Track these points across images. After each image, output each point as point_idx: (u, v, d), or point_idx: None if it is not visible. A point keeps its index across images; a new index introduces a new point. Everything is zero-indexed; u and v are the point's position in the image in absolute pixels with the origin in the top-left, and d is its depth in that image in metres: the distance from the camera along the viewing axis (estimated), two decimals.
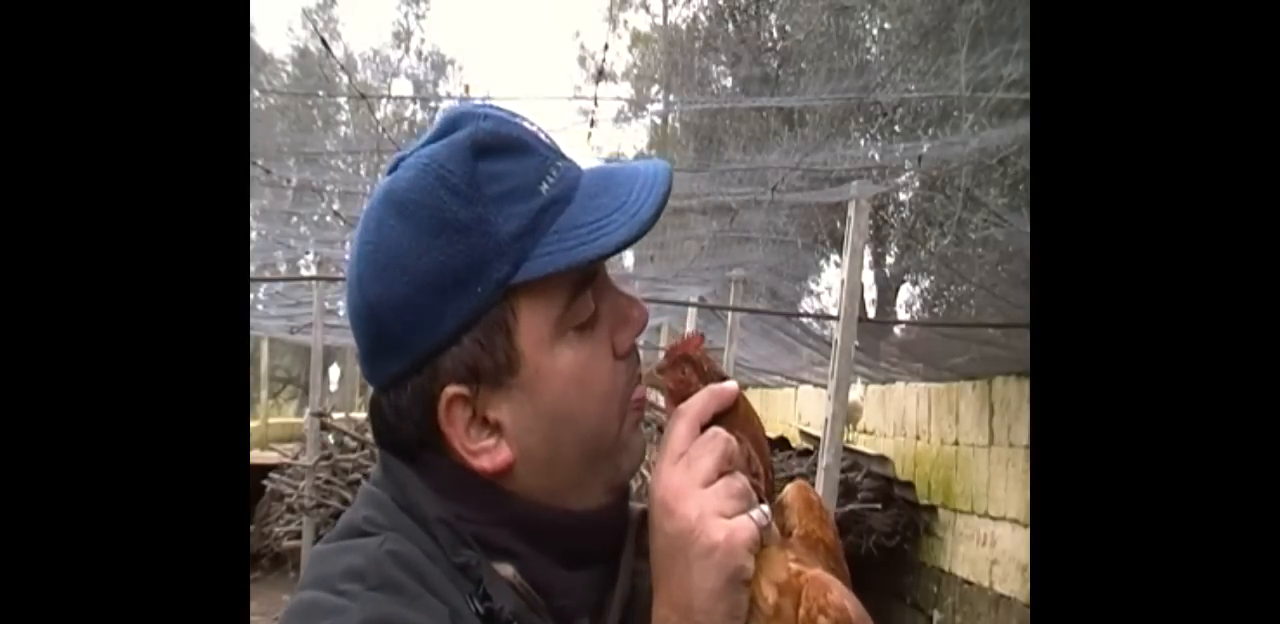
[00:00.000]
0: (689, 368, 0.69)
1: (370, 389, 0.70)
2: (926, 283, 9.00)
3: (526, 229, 0.62)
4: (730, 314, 6.34)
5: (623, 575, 0.69)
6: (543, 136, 0.66)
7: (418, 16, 23.09)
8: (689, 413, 0.65)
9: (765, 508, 0.64)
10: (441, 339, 0.63)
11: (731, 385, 0.67)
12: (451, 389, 0.64)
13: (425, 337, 0.63)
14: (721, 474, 0.63)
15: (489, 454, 0.65)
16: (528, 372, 0.64)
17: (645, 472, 0.68)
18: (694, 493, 0.62)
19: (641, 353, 0.72)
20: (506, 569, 0.64)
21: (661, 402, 0.72)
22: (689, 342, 0.70)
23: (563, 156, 0.66)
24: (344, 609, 0.58)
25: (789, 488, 0.71)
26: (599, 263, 0.64)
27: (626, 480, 0.70)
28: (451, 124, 0.65)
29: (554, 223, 0.63)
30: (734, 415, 0.67)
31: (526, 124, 0.66)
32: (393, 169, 0.66)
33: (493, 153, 0.63)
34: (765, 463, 0.67)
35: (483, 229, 0.62)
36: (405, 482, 0.66)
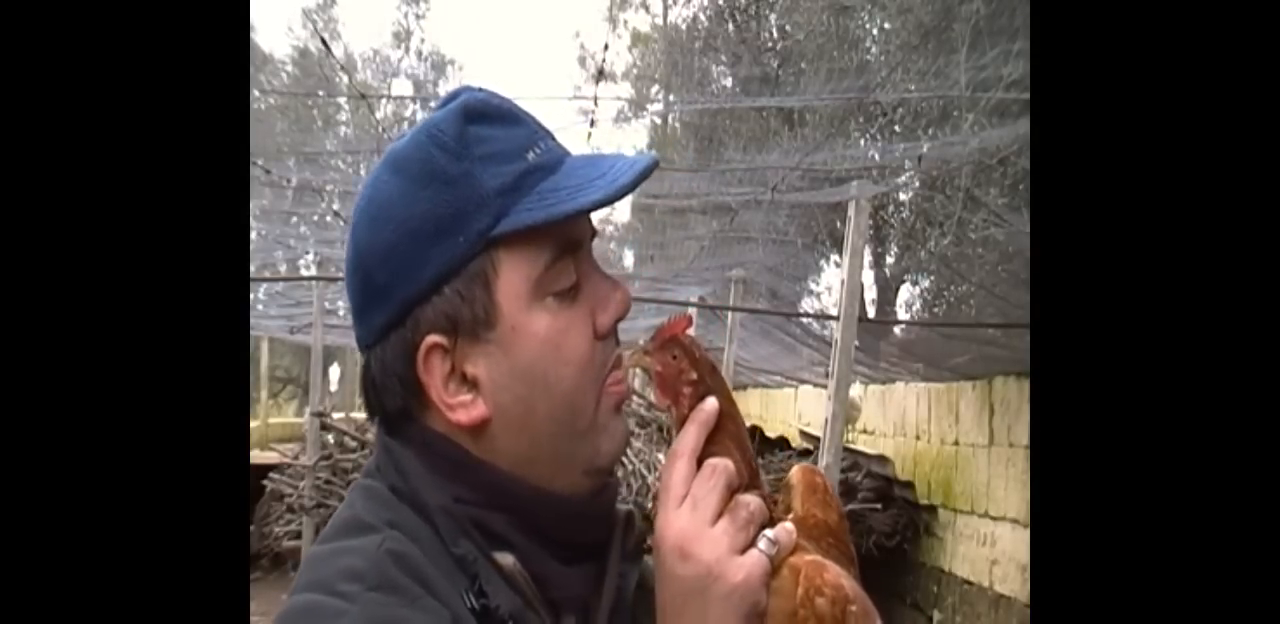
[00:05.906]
0: (679, 351, 0.68)
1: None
2: (926, 283, 8.99)
3: (509, 187, 0.65)
4: (730, 314, 6.34)
5: (610, 575, 0.70)
6: (536, 120, 0.70)
7: (418, 16, 23.13)
8: (684, 451, 0.66)
9: (769, 533, 0.65)
10: (423, 287, 0.66)
11: (712, 403, 0.67)
12: (431, 338, 0.66)
13: (409, 285, 0.66)
14: (726, 508, 0.64)
15: (465, 408, 0.67)
16: (504, 328, 0.66)
17: (629, 459, 0.67)
18: (706, 534, 0.63)
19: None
20: (506, 558, 0.65)
21: (641, 387, 0.72)
22: (676, 323, 0.69)
23: (553, 138, 0.69)
24: (344, 612, 0.58)
25: (795, 470, 0.72)
26: (576, 219, 0.66)
27: (607, 464, 0.71)
28: (451, 97, 0.69)
29: (537, 186, 0.66)
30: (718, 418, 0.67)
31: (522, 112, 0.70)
32: None
33: (484, 119, 0.67)
34: (747, 457, 0.68)
35: (468, 182, 0.65)
36: (406, 468, 0.67)
